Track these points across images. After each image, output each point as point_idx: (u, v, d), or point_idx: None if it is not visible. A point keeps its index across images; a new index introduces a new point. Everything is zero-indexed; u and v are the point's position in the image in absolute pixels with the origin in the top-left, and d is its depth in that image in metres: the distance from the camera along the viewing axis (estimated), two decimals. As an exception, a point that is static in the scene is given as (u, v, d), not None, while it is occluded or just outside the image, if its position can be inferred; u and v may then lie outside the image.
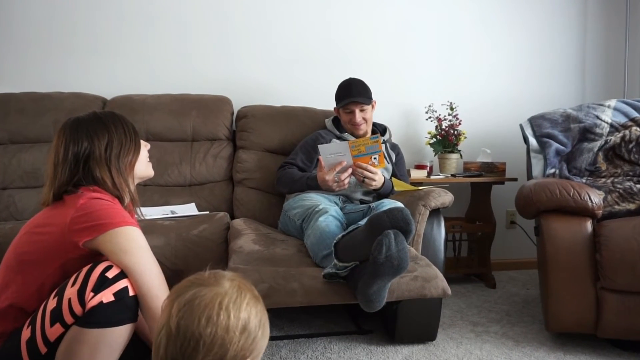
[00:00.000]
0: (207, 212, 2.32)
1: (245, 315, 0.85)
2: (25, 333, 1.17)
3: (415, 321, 2.02)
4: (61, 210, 1.29)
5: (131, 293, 1.18)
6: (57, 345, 1.14)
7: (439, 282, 1.72)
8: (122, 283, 1.17)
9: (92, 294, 1.12)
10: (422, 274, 1.73)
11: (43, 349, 1.14)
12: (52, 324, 1.14)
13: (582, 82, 3.41)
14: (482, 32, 3.26)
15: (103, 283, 1.14)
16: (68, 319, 1.13)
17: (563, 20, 3.36)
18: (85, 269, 1.17)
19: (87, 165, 1.33)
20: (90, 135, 1.34)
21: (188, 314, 0.83)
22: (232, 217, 2.41)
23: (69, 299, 1.13)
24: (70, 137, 1.34)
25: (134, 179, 1.44)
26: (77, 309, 1.13)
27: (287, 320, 2.30)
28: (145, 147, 1.50)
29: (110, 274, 1.16)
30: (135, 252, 1.24)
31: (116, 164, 1.36)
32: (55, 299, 1.16)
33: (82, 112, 1.42)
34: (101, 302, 1.12)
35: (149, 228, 1.83)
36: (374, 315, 1.99)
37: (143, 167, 1.48)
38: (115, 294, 1.14)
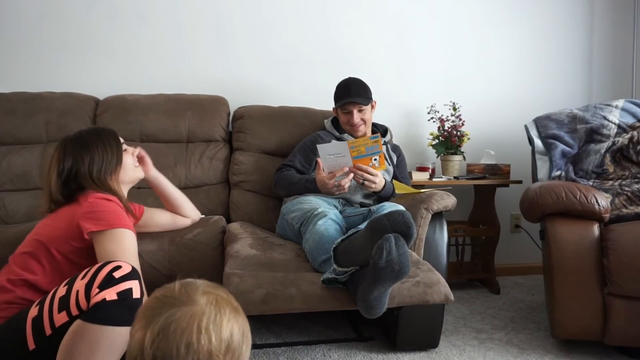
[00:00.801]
0: (203, 216, 2.32)
1: (228, 333, 0.79)
2: (33, 311, 1.27)
3: (417, 328, 2.02)
4: (71, 207, 1.54)
5: (135, 295, 1.23)
6: (60, 332, 1.21)
7: (442, 288, 1.73)
8: (127, 284, 1.23)
9: (97, 289, 1.20)
10: (424, 279, 1.73)
11: (48, 331, 1.23)
12: (59, 311, 1.23)
13: (588, 81, 3.42)
14: (485, 30, 3.27)
15: (109, 281, 1.21)
16: (73, 310, 1.22)
17: (569, 18, 3.37)
18: (96, 266, 1.26)
19: (76, 180, 1.58)
20: (75, 155, 1.60)
21: (164, 343, 0.75)
22: (229, 221, 2.41)
23: (77, 291, 1.22)
24: (61, 155, 1.61)
25: (119, 186, 1.67)
26: (83, 303, 1.21)
27: (285, 327, 2.30)
28: (131, 154, 1.75)
29: (117, 274, 1.23)
30: (120, 256, 1.38)
31: (98, 176, 1.60)
32: (65, 287, 1.25)
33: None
34: (104, 299, 1.19)
35: (141, 232, 1.85)
36: (375, 321, 1.99)
37: (130, 172, 1.73)
38: (118, 294, 1.20)
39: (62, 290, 1.25)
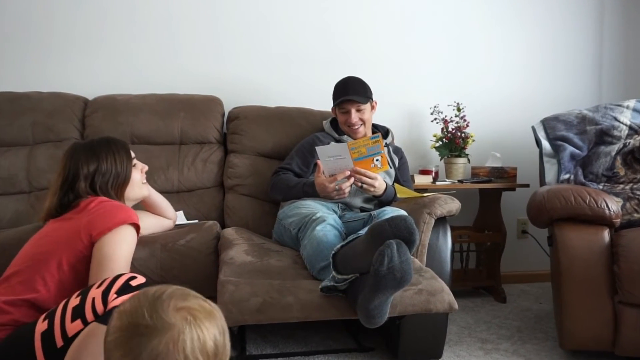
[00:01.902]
0: (196, 221, 2.33)
1: (212, 343, 0.82)
2: (41, 326, 1.29)
3: (419, 338, 2.02)
4: (74, 213, 1.56)
5: None
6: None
7: (445, 296, 1.73)
8: None
9: (115, 295, 1.25)
10: (427, 287, 1.74)
11: (60, 343, 1.25)
12: (72, 320, 1.25)
13: (598, 81, 3.43)
14: (491, 27, 3.28)
15: (127, 288, 1.26)
16: (89, 316, 1.25)
17: (578, 15, 3.38)
18: (111, 277, 1.31)
19: (76, 191, 1.60)
20: (80, 163, 1.62)
21: None
22: (223, 226, 2.41)
23: (93, 298, 1.26)
24: (67, 163, 1.63)
25: (124, 201, 1.70)
26: (100, 308, 1.25)
27: (282, 337, 2.30)
28: (141, 170, 1.78)
29: (134, 283, 1.28)
30: (114, 261, 1.45)
31: (105, 189, 1.64)
32: (79, 297, 1.29)
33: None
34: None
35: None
36: (375, 331, 1.99)
37: (137, 189, 1.77)
38: None
39: (75, 301, 1.28)
